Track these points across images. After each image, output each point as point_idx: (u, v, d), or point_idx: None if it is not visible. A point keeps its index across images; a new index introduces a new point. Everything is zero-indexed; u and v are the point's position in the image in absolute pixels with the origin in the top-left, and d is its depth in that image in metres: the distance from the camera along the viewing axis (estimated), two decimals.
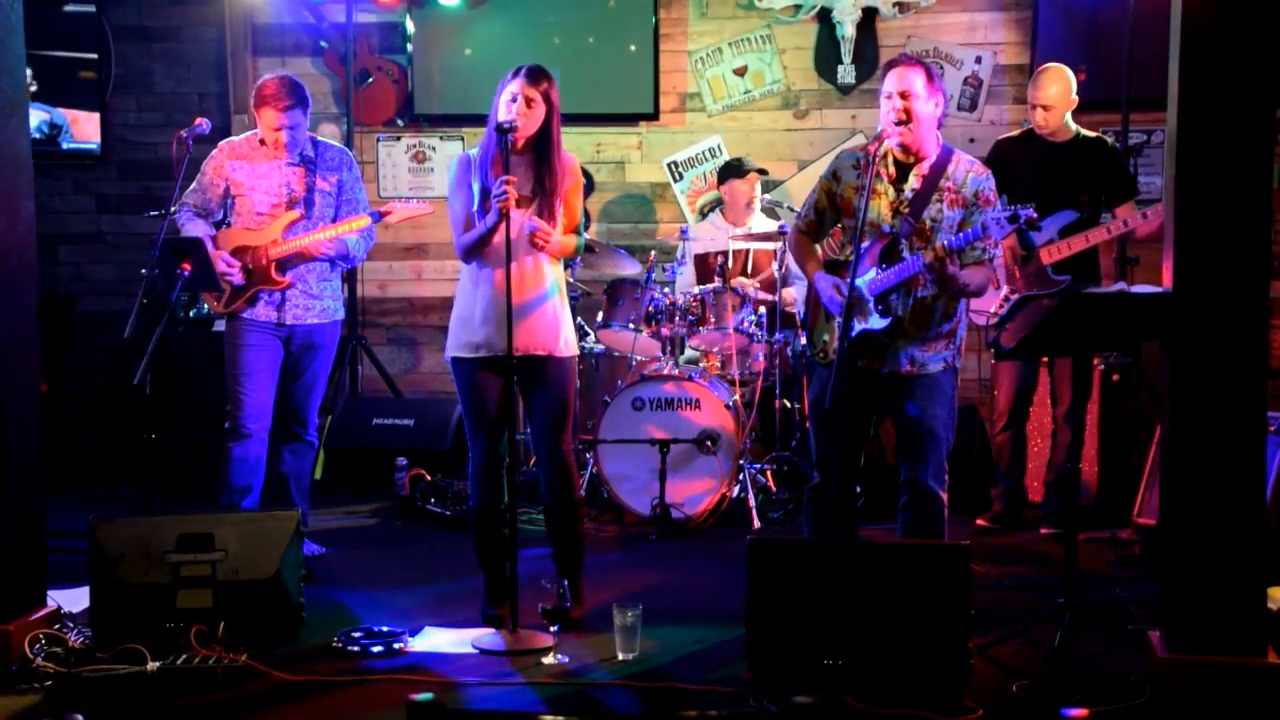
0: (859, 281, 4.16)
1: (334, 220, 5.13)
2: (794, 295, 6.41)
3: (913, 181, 4.18)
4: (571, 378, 4.47)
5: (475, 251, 4.34)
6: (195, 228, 5.09)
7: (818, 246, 4.50)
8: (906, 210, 4.16)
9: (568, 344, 4.43)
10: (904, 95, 4.10)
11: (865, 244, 4.15)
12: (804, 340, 4.52)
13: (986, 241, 4.08)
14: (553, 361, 4.39)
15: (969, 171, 4.18)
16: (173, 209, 5.09)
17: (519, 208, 4.24)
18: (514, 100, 4.25)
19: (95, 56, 7.49)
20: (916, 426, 4.21)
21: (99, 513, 4.18)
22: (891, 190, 4.20)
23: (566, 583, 4.17)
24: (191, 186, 5.20)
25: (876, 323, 4.16)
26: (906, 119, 4.10)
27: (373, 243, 5.29)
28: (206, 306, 5.20)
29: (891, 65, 4.20)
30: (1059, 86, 5.54)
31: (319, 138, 5.26)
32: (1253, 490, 3.61)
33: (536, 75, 4.28)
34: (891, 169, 4.21)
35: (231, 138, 5.24)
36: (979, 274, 4.15)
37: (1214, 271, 3.57)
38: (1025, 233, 5.49)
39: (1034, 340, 4.23)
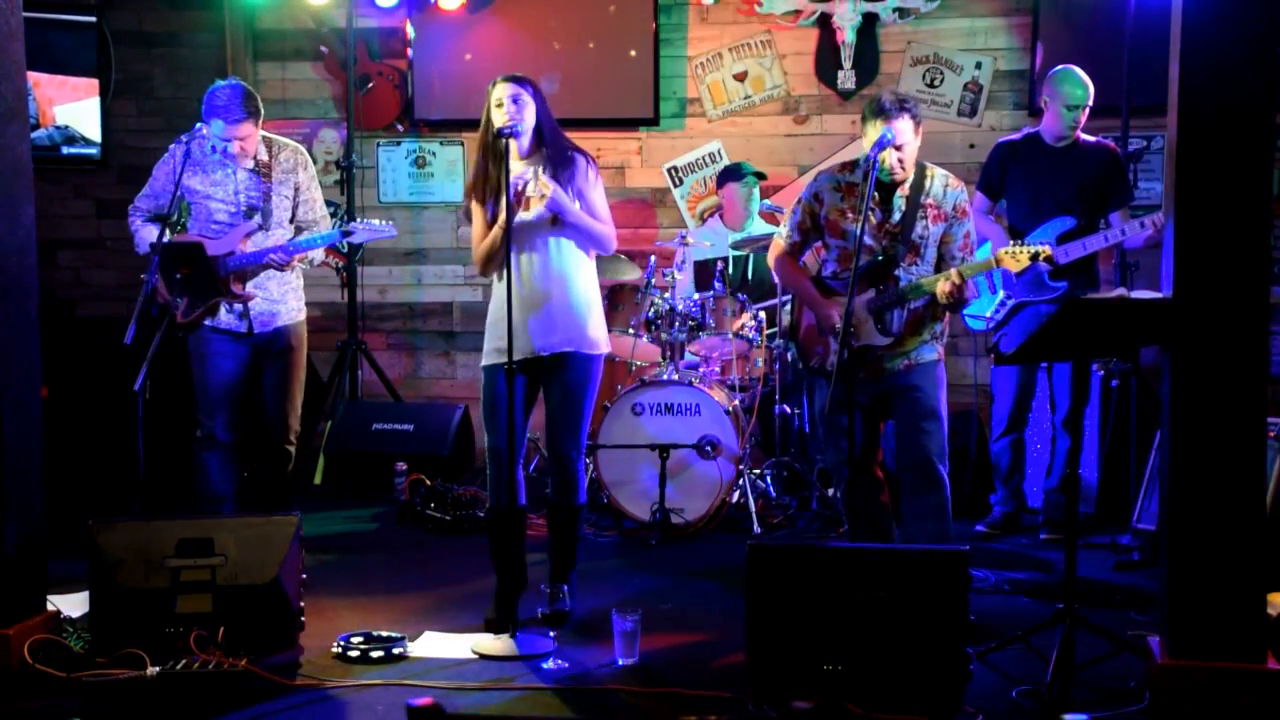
0: (858, 300, 4.40)
1: (292, 220, 5.09)
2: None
3: (898, 203, 4.45)
4: (592, 377, 4.50)
5: (492, 260, 4.41)
6: (149, 233, 5.00)
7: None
8: (899, 231, 4.42)
9: (595, 341, 4.49)
10: (899, 147, 4.35)
11: (859, 263, 4.36)
12: (792, 352, 4.71)
13: (967, 251, 4.46)
14: (576, 358, 4.44)
15: (946, 186, 4.49)
16: (138, 216, 5.06)
17: (527, 209, 4.34)
18: (500, 105, 4.35)
19: (95, 60, 7.51)
20: (920, 406, 4.44)
21: (99, 517, 4.17)
22: (879, 211, 4.44)
23: (566, 588, 4.17)
24: (144, 190, 5.12)
25: (878, 339, 4.44)
26: (902, 166, 4.39)
27: (333, 243, 5.20)
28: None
29: (886, 115, 4.34)
30: (1087, 89, 5.51)
31: (273, 136, 5.16)
32: (1253, 495, 3.61)
33: (513, 76, 4.41)
34: (875, 192, 4.41)
35: (183, 140, 5.00)
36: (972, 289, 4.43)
37: (1214, 277, 3.58)
38: (1021, 239, 5.49)
39: (1034, 345, 4.24)
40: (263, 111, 5.03)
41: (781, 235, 4.66)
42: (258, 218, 5.02)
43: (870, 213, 4.40)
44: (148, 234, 5.01)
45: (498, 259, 4.38)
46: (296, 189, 5.11)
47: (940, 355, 4.56)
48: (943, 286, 4.28)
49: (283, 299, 5.12)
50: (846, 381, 4.28)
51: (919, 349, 4.49)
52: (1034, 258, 4.23)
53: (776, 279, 6.18)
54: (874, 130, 4.36)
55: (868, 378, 4.45)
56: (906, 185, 4.44)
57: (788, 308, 6.23)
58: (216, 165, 5.03)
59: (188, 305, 4.96)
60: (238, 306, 5.03)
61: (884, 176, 4.35)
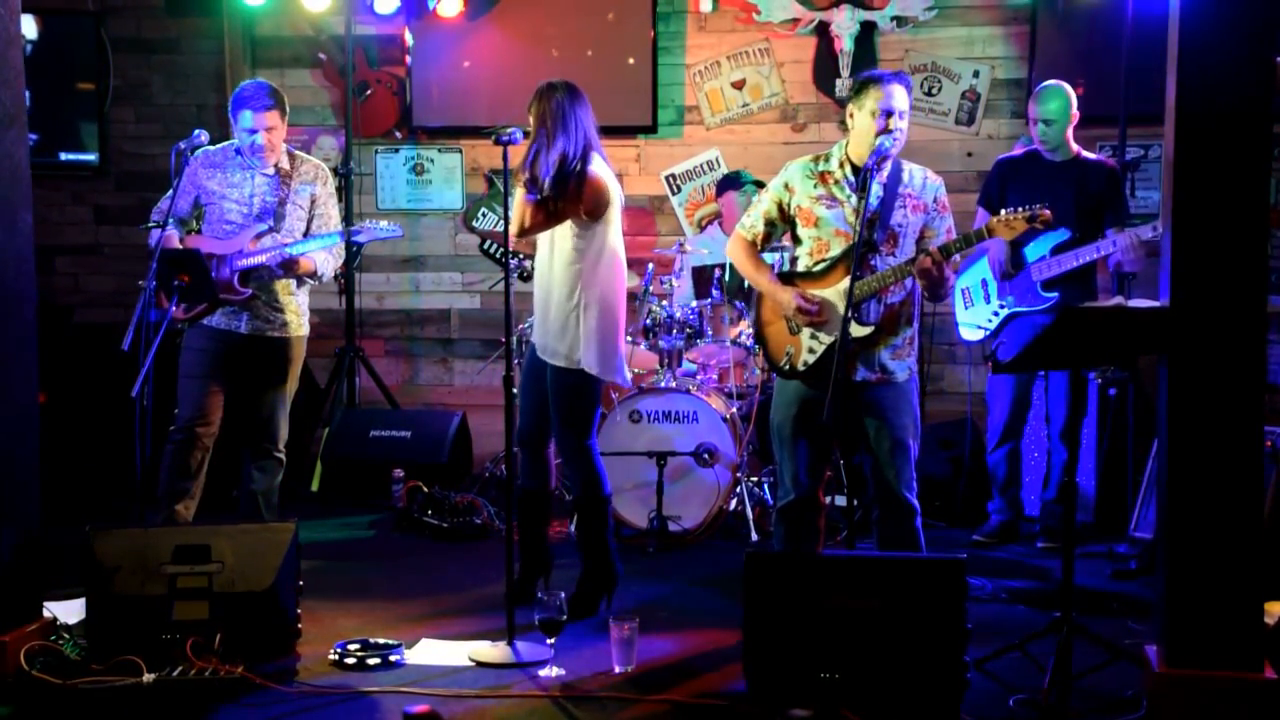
0: (832, 289, 4.23)
1: (305, 234, 5.10)
2: None
3: (876, 189, 4.24)
4: (567, 388, 4.60)
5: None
6: (153, 236, 5.00)
7: (767, 257, 4.63)
8: (876, 218, 4.23)
9: (569, 359, 4.57)
10: (901, 115, 4.21)
11: (834, 253, 4.25)
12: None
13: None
14: (551, 369, 4.61)
15: (925, 178, 4.33)
16: (155, 217, 5.07)
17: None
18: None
19: (94, 68, 7.52)
20: (885, 437, 4.26)
21: (96, 524, 4.17)
22: (855, 198, 4.23)
23: (562, 594, 4.16)
24: (170, 192, 5.16)
25: (858, 331, 4.19)
26: (902, 137, 4.22)
27: (341, 260, 5.25)
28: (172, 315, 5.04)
29: (892, 79, 4.23)
30: (1059, 102, 5.54)
31: (296, 150, 5.22)
32: (1250, 504, 3.61)
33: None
34: (852, 178, 4.27)
35: (208, 147, 5.10)
36: (954, 277, 4.37)
37: (1211, 286, 3.58)
38: (1019, 247, 5.50)
39: (1032, 354, 4.24)
40: (288, 110, 5.08)
41: (743, 226, 4.46)
42: (269, 221, 5.03)
43: (848, 199, 4.24)
44: (153, 237, 5.02)
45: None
46: (313, 201, 5.13)
47: (913, 371, 4.35)
48: (920, 262, 4.11)
49: (284, 308, 5.11)
50: (838, 377, 4.01)
51: (895, 365, 4.27)
52: (1030, 220, 4.05)
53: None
54: (870, 100, 4.19)
55: (839, 377, 4.12)
56: (884, 174, 4.22)
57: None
58: (236, 168, 5.07)
59: (187, 306, 4.97)
60: (236, 308, 5.02)
61: (887, 144, 4.14)
